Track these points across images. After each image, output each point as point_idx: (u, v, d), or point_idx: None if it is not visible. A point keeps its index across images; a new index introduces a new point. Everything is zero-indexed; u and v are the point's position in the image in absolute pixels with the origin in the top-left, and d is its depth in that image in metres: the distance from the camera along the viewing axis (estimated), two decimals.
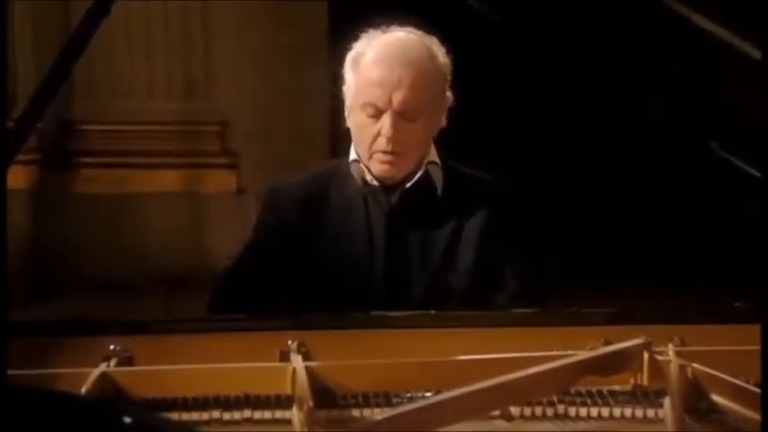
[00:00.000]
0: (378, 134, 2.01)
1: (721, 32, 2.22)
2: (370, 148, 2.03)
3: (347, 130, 2.12)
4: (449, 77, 2.08)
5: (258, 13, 5.21)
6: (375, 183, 2.07)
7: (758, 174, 2.14)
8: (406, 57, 2.01)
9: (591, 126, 4.61)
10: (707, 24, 2.22)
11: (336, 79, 2.15)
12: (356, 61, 2.06)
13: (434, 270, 2.05)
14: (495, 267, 2.05)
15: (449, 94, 2.09)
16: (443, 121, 2.10)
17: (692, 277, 4.18)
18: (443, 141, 2.14)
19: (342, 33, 2.17)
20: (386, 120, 2.00)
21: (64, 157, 5.28)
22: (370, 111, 2.02)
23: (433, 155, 2.10)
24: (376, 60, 2.03)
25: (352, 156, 2.10)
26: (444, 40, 2.10)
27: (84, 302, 4.67)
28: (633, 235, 4.98)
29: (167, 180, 5.32)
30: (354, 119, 2.07)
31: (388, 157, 2.02)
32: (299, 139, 5.16)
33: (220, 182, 5.38)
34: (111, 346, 1.51)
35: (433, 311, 1.83)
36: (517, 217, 2.11)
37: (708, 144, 2.32)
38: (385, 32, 2.07)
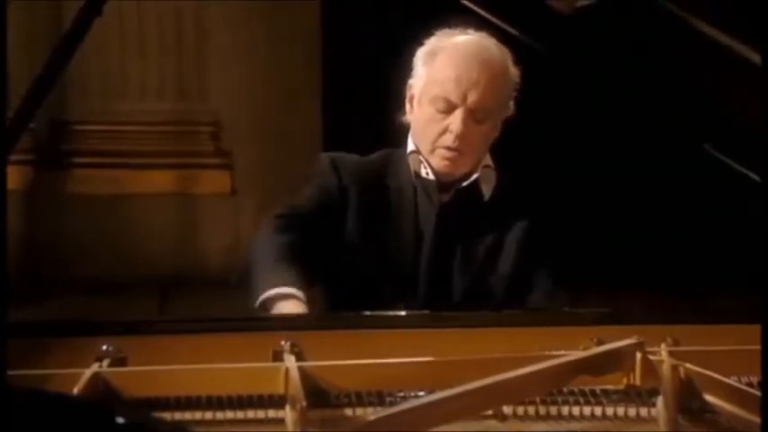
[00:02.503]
0: (445, 130, 2.03)
1: (720, 35, 2.23)
2: (434, 142, 2.05)
3: (401, 124, 2.11)
4: (516, 88, 2.10)
5: (251, 13, 5.21)
6: (430, 177, 2.08)
7: (753, 174, 2.15)
8: (485, 58, 2.03)
9: (584, 125, 4.62)
10: (708, 28, 2.23)
11: (331, 79, 2.15)
12: (432, 55, 2.07)
13: (475, 271, 2.06)
14: (532, 271, 2.07)
15: (511, 105, 2.11)
16: (499, 128, 2.11)
17: (685, 278, 4.19)
18: None
19: (335, 34, 2.18)
20: (457, 116, 2.01)
21: (57, 158, 5.27)
22: (442, 105, 2.03)
23: (488, 159, 2.12)
24: (455, 57, 2.04)
25: (411, 147, 2.11)
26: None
27: (76, 303, 4.67)
28: (627, 236, 4.99)
29: (161, 180, 5.33)
30: (421, 111, 2.08)
31: (451, 154, 2.04)
32: (292, 140, 5.16)
33: (214, 182, 5.39)
34: (104, 347, 1.51)
35: (426, 311, 1.83)
36: (554, 222, 2.14)
37: (702, 144, 2.32)
38: (462, 33, 2.08)
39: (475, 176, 2.08)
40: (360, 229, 2.06)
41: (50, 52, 1.81)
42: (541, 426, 1.44)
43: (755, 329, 1.54)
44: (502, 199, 2.11)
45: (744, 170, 2.13)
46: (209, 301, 4.69)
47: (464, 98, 2.01)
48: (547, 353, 1.51)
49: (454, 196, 2.09)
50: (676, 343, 1.59)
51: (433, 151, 2.06)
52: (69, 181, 5.29)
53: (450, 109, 2.02)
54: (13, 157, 1.71)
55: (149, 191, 5.27)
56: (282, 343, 1.55)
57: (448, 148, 2.04)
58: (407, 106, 2.13)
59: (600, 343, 1.57)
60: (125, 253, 5.15)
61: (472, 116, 2.02)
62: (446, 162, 2.05)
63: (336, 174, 2.09)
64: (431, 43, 2.09)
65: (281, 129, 5.27)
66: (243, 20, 5.22)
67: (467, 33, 2.08)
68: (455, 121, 2.01)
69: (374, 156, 2.18)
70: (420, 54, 2.09)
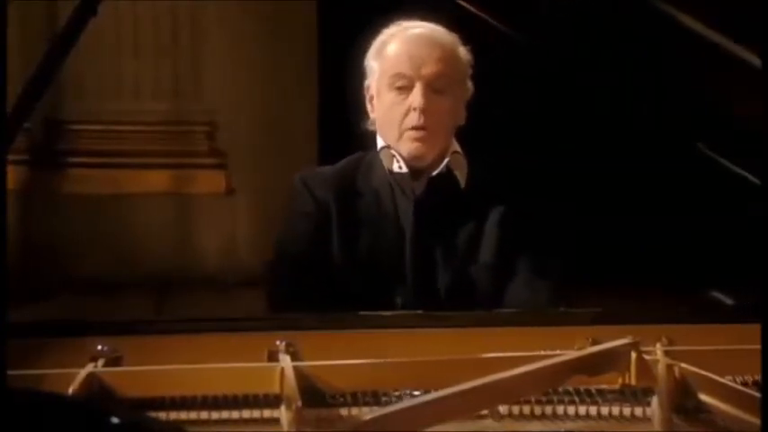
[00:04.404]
0: (408, 109, 2.06)
1: (720, 36, 2.23)
2: (400, 125, 2.07)
3: (367, 132, 2.14)
4: (470, 68, 2.15)
5: (246, 12, 5.21)
6: (403, 170, 2.09)
7: (747, 173, 2.15)
8: (434, 36, 2.10)
9: (584, 125, 4.62)
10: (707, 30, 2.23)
11: (325, 79, 2.17)
12: (382, 45, 2.13)
13: (458, 261, 2.07)
14: (513, 259, 2.08)
15: (470, 84, 2.15)
16: (464, 115, 2.15)
17: (680, 277, 4.19)
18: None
19: (331, 33, 2.19)
20: (417, 91, 2.05)
21: (52, 157, 5.26)
22: (399, 82, 2.07)
23: (456, 146, 2.14)
24: (405, 39, 2.10)
25: (380, 144, 2.13)
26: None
27: (70, 302, 4.66)
28: (622, 234, 4.99)
29: (156, 180, 5.32)
30: (383, 101, 2.11)
31: (419, 134, 2.06)
32: (288, 140, 5.16)
33: (209, 182, 5.38)
34: (99, 347, 1.51)
35: (420, 311, 1.84)
36: (532, 210, 2.15)
37: (697, 143, 2.33)
38: (408, 26, 2.13)
39: (445, 161, 2.10)
40: (343, 237, 2.08)
41: (45, 52, 1.81)
42: (537, 425, 1.44)
43: (751, 329, 1.54)
44: (479, 186, 2.13)
45: (741, 171, 2.14)
46: (205, 300, 4.69)
47: (419, 70, 2.05)
48: (542, 352, 1.51)
49: (429, 187, 2.10)
50: (671, 342, 1.59)
51: (401, 136, 2.08)
52: (64, 181, 5.28)
53: (408, 85, 2.06)
54: (8, 157, 1.70)
55: (145, 190, 5.26)
56: (278, 343, 1.55)
57: (415, 128, 2.06)
58: (369, 107, 2.17)
59: (595, 342, 1.57)
60: (120, 252, 5.14)
61: (431, 87, 2.06)
62: (416, 144, 2.07)
63: (310, 192, 2.12)
64: (379, 39, 2.14)
65: (277, 129, 5.27)
66: (238, 20, 5.21)
67: (411, 25, 2.13)
68: (415, 96, 2.05)
69: (344, 162, 2.21)
70: (371, 53, 2.15)
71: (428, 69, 2.05)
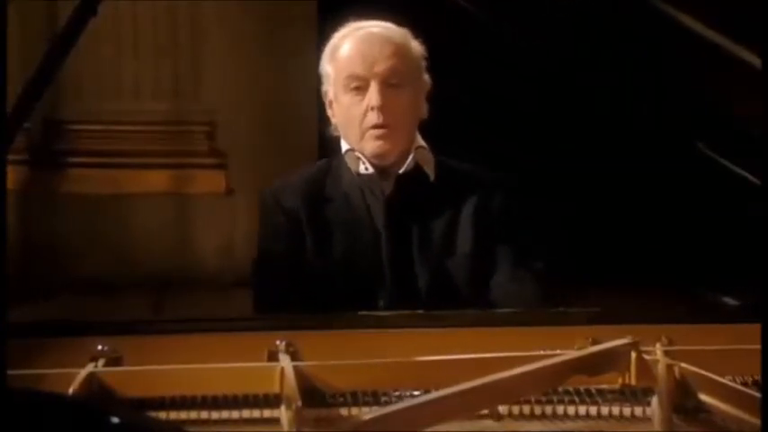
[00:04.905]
0: (367, 109, 2.06)
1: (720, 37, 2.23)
2: (361, 125, 2.07)
3: (333, 137, 2.15)
4: (424, 61, 2.14)
5: (246, 12, 5.20)
6: (369, 171, 2.09)
7: (747, 173, 2.15)
8: (384, 34, 2.10)
9: (583, 124, 4.62)
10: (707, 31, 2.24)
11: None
12: (334, 49, 2.13)
13: (434, 255, 2.07)
14: (490, 251, 2.08)
15: (427, 78, 2.14)
16: (426, 108, 2.14)
17: (680, 277, 4.19)
18: (437, 137, 2.16)
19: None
20: (372, 90, 2.05)
21: (51, 157, 5.26)
22: (354, 83, 2.06)
23: (420, 140, 2.14)
24: (355, 40, 2.10)
25: (344, 147, 2.12)
26: (446, 39, 2.14)
27: (70, 302, 4.66)
28: (622, 234, 4.98)
29: (155, 180, 5.31)
30: (340, 104, 2.11)
31: (380, 132, 2.06)
32: (288, 140, 5.16)
33: (209, 182, 5.38)
34: (99, 347, 1.51)
35: (421, 311, 1.84)
36: (508, 203, 2.14)
37: (697, 143, 2.33)
38: (358, 26, 2.13)
39: (411, 157, 2.09)
40: (318, 243, 2.08)
41: (45, 52, 1.81)
42: (537, 425, 1.44)
43: (750, 328, 1.54)
44: (449, 179, 2.13)
45: (741, 171, 2.14)
46: (205, 300, 4.69)
47: (372, 69, 2.05)
48: (542, 352, 1.51)
49: (398, 185, 2.10)
50: (671, 342, 1.59)
51: (363, 136, 2.08)
52: (63, 181, 5.28)
53: (363, 86, 2.06)
54: (8, 157, 1.70)
55: (144, 190, 5.26)
56: (278, 343, 1.55)
57: (375, 126, 2.06)
58: (329, 112, 2.17)
59: (595, 342, 1.57)
60: (119, 252, 5.14)
61: (387, 84, 2.06)
62: (379, 142, 2.07)
63: (279, 205, 2.12)
64: (331, 43, 2.14)
65: (277, 129, 5.26)
66: (238, 20, 5.21)
67: (361, 26, 2.14)
68: (372, 95, 2.05)
69: (312, 169, 2.21)
70: (324, 58, 2.15)
71: (381, 66, 2.05)
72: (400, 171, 2.09)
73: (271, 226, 2.14)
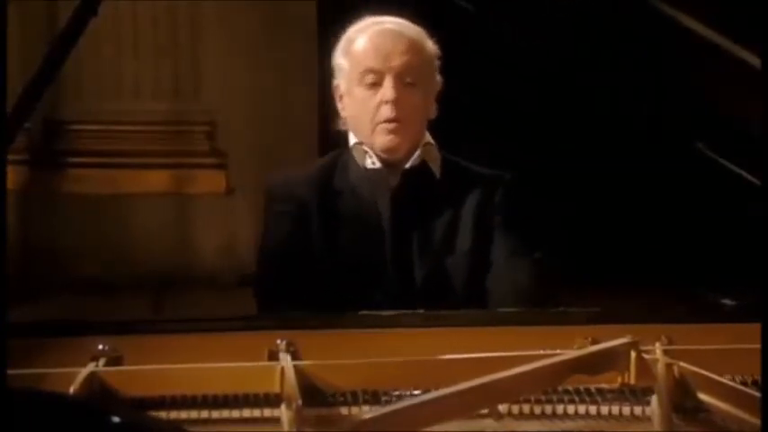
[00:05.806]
0: (380, 102, 2.06)
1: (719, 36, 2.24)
2: (372, 119, 2.08)
3: (336, 132, 2.15)
4: (438, 60, 2.15)
5: (246, 12, 5.21)
6: (377, 165, 2.10)
7: (747, 173, 2.15)
8: (400, 30, 2.11)
9: (583, 124, 4.63)
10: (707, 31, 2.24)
11: (325, 78, 2.17)
12: (349, 42, 2.13)
13: (436, 252, 2.08)
14: (490, 248, 2.09)
15: (439, 78, 2.15)
16: (434, 108, 2.15)
17: (680, 277, 4.19)
18: (437, 137, 2.17)
19: (331, 33, 2.19)
20: (387, 84, 2.06)
21: (51, 157, 5.26)
22: (369, 78, 2.07)
23: (429, 137, 2.15)
24: (372, 34, 2.10)
25: (353, 141, 2.13)
26: (446, 40, 2.15)
27: (70, 302, 4.66)
28: (622, 234, 4.99)
29: (156, 180, 5.32)
30: (353, 98, 2.11)
31: (392, 126, 2.07)
32: (288, 139, 5.16)
33: (209, 182, 5.38)
34: (100, 346, 1.51)
35: (421, 311, 1.84)
36: (509, 200, 2.15)
37: (697, 143, 2.33)
38: (374, 21, 2.14)
39: (417, 153, 2.10)
40: (326, 235, 2.09)
41: (45, 52, 1.81)
42: (536, 424, 1.44)
43: (750, 328, 1.54)
44: (453, 176, 2.14)
45: (741, 171, 2.14)
46: (205, 300, 4.69)
47: (387, 63, 2.06)
48: (542, 352, 1.51)
49: (404, 180, 2.11)
50: (671, 342, 1.59)
51: (374, 130, 2.08)
52: (63, 181, 5.28)
53: (378, 80, 2.07)
54: (8, 157, 1.70)
55: (144, 190, 5.26)
56: (278, 342, 1.55)
57: (388, 120, 2.06)
58: (339, 105, 2.17)
59: (594, 342, 1.57)
60: (120, 252, 5.14)
61: (401, 80, 2.06)
62: (390, 136, 2.07)
63: (289, 192, 2.12)
64: (345, 37, 2.14)
65: (277, 129, 5.27)
66: (238, 19, 5.22)
67: (377, 21, 2.14)
68: (386, 89, 2.06)
69: (322, 161, 2.22)
70: (338, 51, 2.15)
71: (397, 61, 2.06)
72: (407, 166, 2.10)
73: (279, 213, 2.13)
